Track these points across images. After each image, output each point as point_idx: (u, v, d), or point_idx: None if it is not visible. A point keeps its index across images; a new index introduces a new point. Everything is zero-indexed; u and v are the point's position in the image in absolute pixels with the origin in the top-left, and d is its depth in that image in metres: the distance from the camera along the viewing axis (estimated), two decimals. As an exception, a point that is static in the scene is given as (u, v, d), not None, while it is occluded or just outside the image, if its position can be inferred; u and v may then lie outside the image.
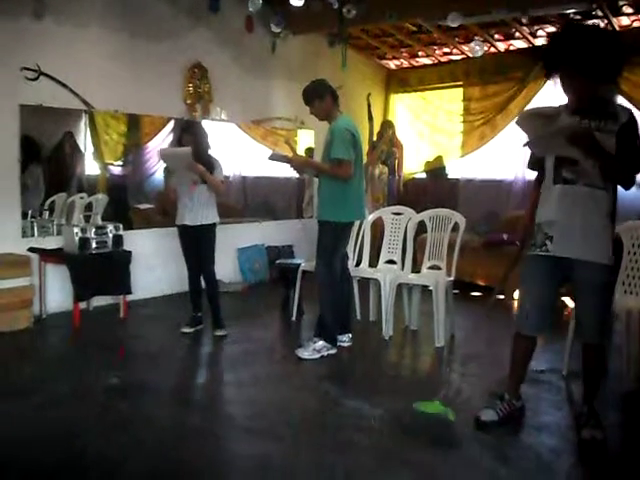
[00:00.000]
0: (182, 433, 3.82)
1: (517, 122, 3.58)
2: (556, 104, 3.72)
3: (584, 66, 3.36)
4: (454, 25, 7.17)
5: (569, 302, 4.37)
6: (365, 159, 7.20)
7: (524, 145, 3.59)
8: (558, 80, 3.55)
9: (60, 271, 6.29)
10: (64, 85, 6.48)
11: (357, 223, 5.82)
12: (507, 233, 7.69)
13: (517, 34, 8.38)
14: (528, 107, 8.52)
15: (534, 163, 3.86)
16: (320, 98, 5.19)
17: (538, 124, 3.49)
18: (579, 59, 3.36)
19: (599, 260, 3.49)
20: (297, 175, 7.32)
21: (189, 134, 5.70)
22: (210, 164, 5.68)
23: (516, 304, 3.80)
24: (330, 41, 8.03)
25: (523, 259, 3.80)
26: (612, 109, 3.50)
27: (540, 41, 8.36)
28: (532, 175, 4.03)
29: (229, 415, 4.14)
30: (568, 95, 3.54)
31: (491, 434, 3.73)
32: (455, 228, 5.83)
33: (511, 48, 8.85)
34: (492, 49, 8.87)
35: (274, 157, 5.50)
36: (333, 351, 5.27)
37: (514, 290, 7.08)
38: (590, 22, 7.21)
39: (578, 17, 7.50)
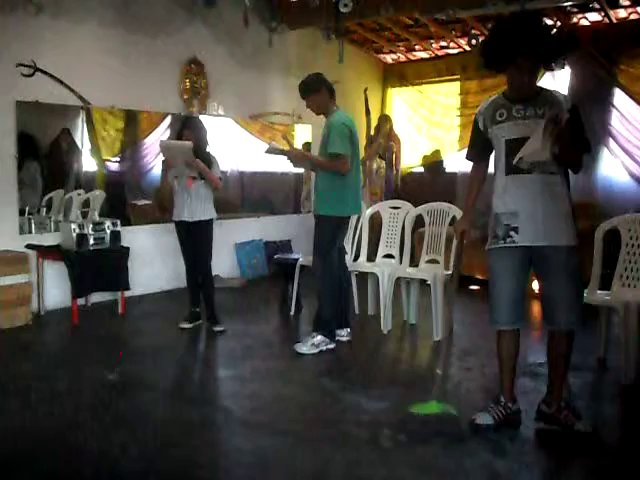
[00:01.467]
0: (181, 428, 3.82)
1: None
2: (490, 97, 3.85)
3: (541, 53, 3.44)
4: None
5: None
6: (362, 153, 7.19)
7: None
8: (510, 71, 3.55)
9: (58, 267, 6.30)
10: (60, 81, 6.48)
11: (354, 217, 5.82)
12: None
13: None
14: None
15: (474, 154, 3.91)
16: (316, 92, 5.18)
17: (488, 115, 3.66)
18: (538, 46, 3.41)
19: (568, 243, 3.51)
20: (294, 169, 7.31)
21: (189, 129, 5.71)
22: (208, 160, 5.68)
23: (490, 301, 3.75)
24: (326, 35, 8.00)
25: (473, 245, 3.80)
26: (551, 96, 3.56)
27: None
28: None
29: (228, 410, 4.13)
30: (518, 84, 3.55)
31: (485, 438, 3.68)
32: (453, 222, 5.82)
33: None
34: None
35: (271, 150, 5.49)
36: (332, 346, 5.27)
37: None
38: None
39: (575, 10, 7.50)
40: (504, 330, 3.75)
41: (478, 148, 3.86)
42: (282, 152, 5.42)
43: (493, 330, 3.80)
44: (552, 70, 3.80)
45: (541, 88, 3.64)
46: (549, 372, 3.81)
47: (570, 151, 3.44)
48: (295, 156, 5.45)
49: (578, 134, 3.50)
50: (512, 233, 3.55)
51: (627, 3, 7.39)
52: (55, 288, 6.43)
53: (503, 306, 3.68)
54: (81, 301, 6.35)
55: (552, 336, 3.73)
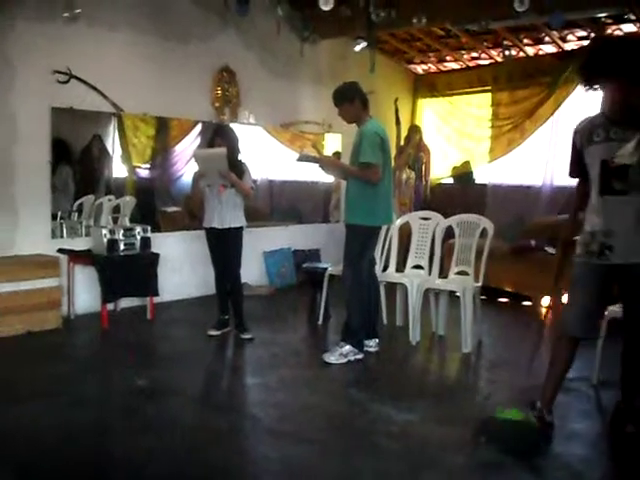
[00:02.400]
0: (209, 435, 3.82)
1: None
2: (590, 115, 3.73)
3: (635, 75, 3.38)
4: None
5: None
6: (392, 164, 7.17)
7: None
8: (600, 91, 3.53)
9: (88, 272, 6.35)
10: (94, 88, 6.55)
11: (384, 228, 5.80)
12: (535, 239, 7.64)
13: (547, 38, 8.31)
14: (557, 112, 8.48)
15: (575, 171, 3.84)
16: (350, 101, 5.17)
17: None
18: (632, 69, 3.37)
19: None
20: (323, 178, 7.30)
21: (221, 138, 5.70)
22: (240, 168, 5.69)
23: (565, 308, 3.74)
24: (356, 43, 8.00)
25: (569, 264, 3.76)
26: None
27: (570, 45, 8.29)
28: (561, 181, 4.02)
29: (255, 417, 4.12)
30: (618, 105, 3.51)
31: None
32: (483, 234, 5.79)
33: (540, 52, 8.77)
34: (521, 53, 8.81)
35: (303, 158, 5.50)
36: (360, 356, 5.24)
37: (542, 297, 7.06)
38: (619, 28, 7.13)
39: (609, 21, 7.43)
40: (567, 338, 3.74)
41: (577, 165, 3.79)
42: (314, 160, 5.42)
43: (561, 334, 3.79)
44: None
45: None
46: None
47: None
48: (327, 164, 5.46)
49: None
50: (606, 251, 3.54)
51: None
52: (85, 293, 6.48)
53: (578, 315, 3.68)
54: (110, 306, 6.38)
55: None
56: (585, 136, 3.63)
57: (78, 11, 6.10)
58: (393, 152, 8.11)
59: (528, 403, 3.82)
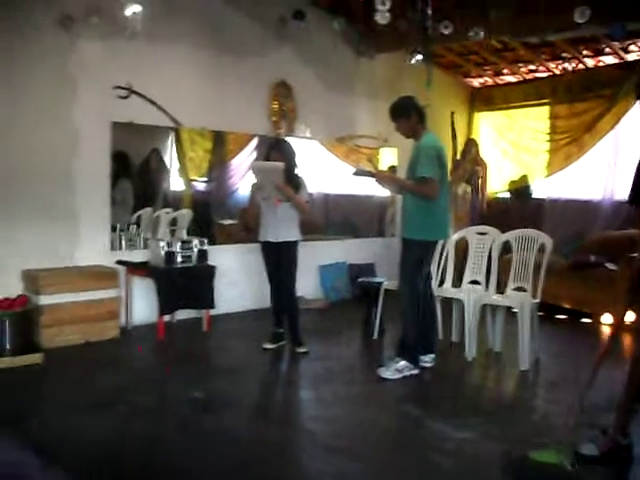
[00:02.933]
0: (263, 449, 3.82)
1: None
2: None
3: None
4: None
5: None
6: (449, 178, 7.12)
7: None
8: None
9: (146, 284, 6.44)
10: (153, 103, 6.66)
11: (441, 242, 5.74)
12: (594, 254, 7.49)
13: (607, 49, 8.16)
14: (618, 125, 8.30)
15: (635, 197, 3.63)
16: (407, 116, 5.15)
17: None
18: None
19: None
20: (379, 192, 7.27)
21: (277, 152, 5.73)
22: (296, 183, 5.71)
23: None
24: (412, 57, 7.97)
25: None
26: None
27: (632, 56, 8.11)
28: (621, 195, 3.93)
29: (310, 432, 4.12)
30: None
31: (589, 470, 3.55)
32: (541, 249, 5.69)
33: (600, 64, 8.61)
34: (580, 65, 8.67)
35: (359, 172, 5.51)
36: (415, 371, 5.20)
37: (602, 314, 6.91)
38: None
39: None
40: None
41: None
42: (370, 174, 5.42)
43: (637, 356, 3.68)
44: None
45: None
46: None
47: None
48: (383, 178, 5.44)
49: None
50: None
51: None
52: (142, 304, 6.57)
53: None
54: (167, 317, 6.46)
55: None
56: None
57: (137, 28, 6.21)
58: (450, 166, 8.07)
59: (595, 427, 3.70)
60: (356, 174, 5.47)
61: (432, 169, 4.99)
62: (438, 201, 5.08)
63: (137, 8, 6.18)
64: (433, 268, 5.79)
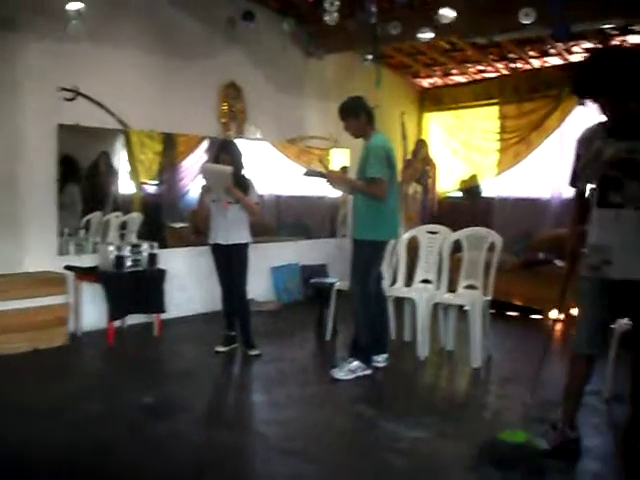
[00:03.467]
0: (217, 453, 3.79)
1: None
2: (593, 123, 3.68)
3: (618, 92, 3.33)
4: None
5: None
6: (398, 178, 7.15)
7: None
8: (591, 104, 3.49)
9: (95, 289, 6.33)
10: (100, 105, 6.55)
11: (391, 242, 5.76)
12: (543, 252, 7.61)
13: (552, 50, 8.30)
14: (564, 124, 8.44)
15: (575, 180, 3.79)
16: (355, 116, 5.16)
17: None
18: (612, 86, 3.32)
19: None
20: (330, 193, 7.27)
21: (226, 153, 5.70)
22: (245, 184, 5.68)
23: (576, 324, 3.71)
24: (364, 59, 8.00)
25: (576, 277, 3.72)
26: None
27: (576, 57, 8.26)
28: (570, 193, 3.97)
29: (264, 435, 4.08)
30: (612, 118, 3.47)
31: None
32: (491, 247, 5.75)
33: (546, 65, 8.75)
34: (527, 66, 8.80)
35: (310, 173, 5.50)
36: (368, 371, 5.21)
37: (551, 310, 7.00)
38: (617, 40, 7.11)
39: (615, 32, 7.41)
40: (580, 354, 3.70)
41: (578, 175, 3.76)
42: (321, 174, 5.42)
43: (574, 352, 3.76)
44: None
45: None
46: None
47: None
48: (334, 179, 5.44)
49: None
50: (603, 266, 3.48)
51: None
52: (92, 309, 6.45)
53: (585, 331, 3.65)
54: (117, 323, 6.36)
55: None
56: (585, 145, 3.60)
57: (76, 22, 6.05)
58: (400, 166, 8.12)
59: (546, 422, 3.77)
60: (307, 175, 5.46)
61: (381, 169, 5.00)
62: (387, 201, 5.10)
63: (82, 8, 6.04)
64: (384, 268, 5.81)
